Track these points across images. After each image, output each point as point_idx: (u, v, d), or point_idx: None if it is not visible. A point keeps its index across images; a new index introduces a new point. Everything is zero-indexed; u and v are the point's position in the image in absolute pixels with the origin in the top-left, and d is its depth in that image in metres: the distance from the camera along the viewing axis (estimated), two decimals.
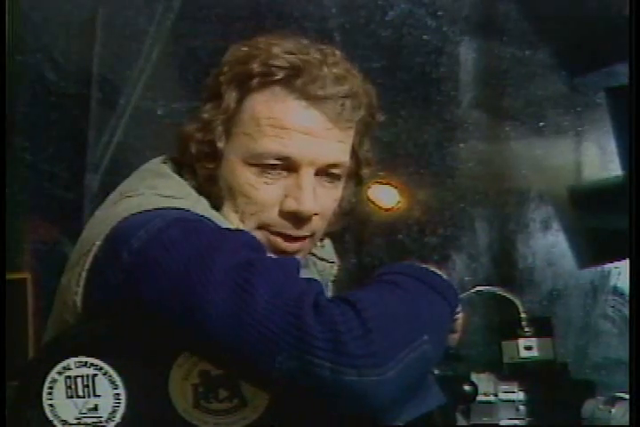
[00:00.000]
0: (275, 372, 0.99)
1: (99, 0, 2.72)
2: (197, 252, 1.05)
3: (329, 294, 1.38)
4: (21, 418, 1.10)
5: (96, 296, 1.11)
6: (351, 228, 2.65)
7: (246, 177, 1.22)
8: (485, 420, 1.94)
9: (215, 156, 1.24)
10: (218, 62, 1.27)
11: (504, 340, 1.91)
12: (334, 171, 1.25)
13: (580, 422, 1.86)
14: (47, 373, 1.08)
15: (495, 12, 2.70)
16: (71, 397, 1.08)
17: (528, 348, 1.88)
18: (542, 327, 1.85)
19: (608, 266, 2.63)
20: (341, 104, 1.21)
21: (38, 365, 1.11)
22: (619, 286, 2.62)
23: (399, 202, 2.72)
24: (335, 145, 1.23)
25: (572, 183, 2.69)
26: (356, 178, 1.33)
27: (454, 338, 1.25)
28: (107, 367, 1.08)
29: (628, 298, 2.54)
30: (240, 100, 1.23)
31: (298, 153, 1.20)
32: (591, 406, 1.84)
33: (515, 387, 1.95)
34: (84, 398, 1.08)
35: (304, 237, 1.26)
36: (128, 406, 1.08)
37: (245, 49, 1.25)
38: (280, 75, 1.20)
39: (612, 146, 2.59)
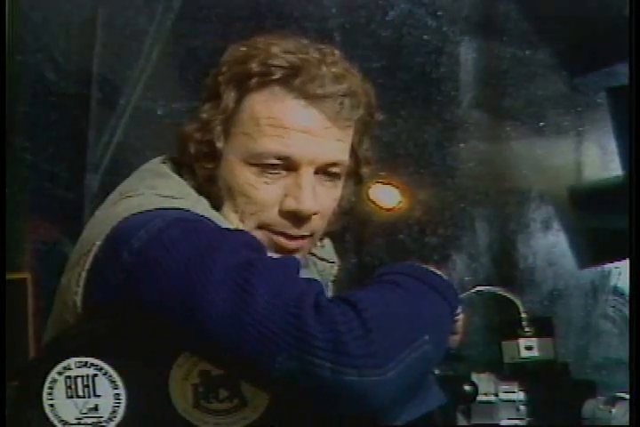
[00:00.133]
0: (275, 372, 0.99)
1: (99, 0, 2.72)
2: (197, 252, 1.05)
3: (329, 293, 1.38)
4: (21, 418, 1.10)
5: (96, 296, 1.11)
6: (352, 228, 2.65)
7: (246, 177, 1.22)
8: (486, 420, 1.94)
9: (214, 156, 1.24)
10: (217, 62, 1.27)
11: (504, 340, 1.91)
12: (334, 170, 1.25)
13: (580, 423, 1.86)
14: (47, 373, 1.08)
15: (495, 12, 2.70)
16: (71, 397, 1.08)
17: (528, 348, 1.87)
18: (543, 327, 1.85)
19: (608, 266, 2.63)
20: (340, 103, 1.21)
21: (38, 365, 1.11)
22: (619, 285, 2.62)
23: (400, 202, 2.72)
24: (334, 144, 1.23)
25: (572, 183, 2.69)
26: (355, 177, 1.33)
27: (455, 339, 1.25)
28: (107, 367, 1.08)
29: (628, 298, 2.54)
30: (239, 100, 1.23)
31: (297, 152, 1.20)
32: (592, 407, 1.84)
33: (515, 387, 1.95)
34: (84, 398, 1.08)
35: (304, 237, 1.26)
36: (128, 406, 1.08)
37: (244, 49, 1.25)
38: (279, 74, 1.21)
39: (612, 146, 2.59)
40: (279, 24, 2.57)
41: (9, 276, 1.90)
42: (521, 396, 1.94)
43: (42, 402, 1.08)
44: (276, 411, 1.06)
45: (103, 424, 1.08)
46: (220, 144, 1.23)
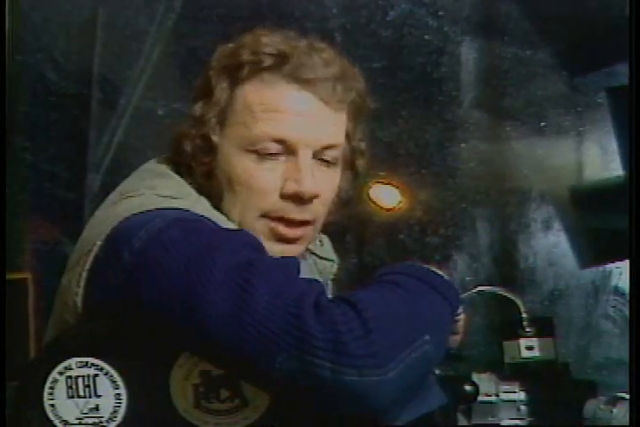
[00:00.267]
0: (275, 372, 0.99)
1: (99, 0, 2.72)
2: (197, 252, 1.05)
3: (329, 292, 1.38)
4: (22, 418, 1.10)
5: (97, 296, 1.11)
6: (352, 228, 2.65)
7: (244, 165, 1.22)
8: (487, 420, 1.94)
9: (210, 149, 1.24)
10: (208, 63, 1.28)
11: (505, 340, 1.91)
12: (330, 153, 1.25)
13: (581, 423, 1.85)
14: (48, 373, 1.08)
15: (496, 12, 2.70)
16: (72, 397, 1.08)
17: (529, 348, 1.87)
18: (544, 327, 1.85)
19: (609, 266, 2.63)
20: (332, 86, 1.23)
21: (39, 365, 1.11)
22: (620, 285, 2.62)
23: (400, 202, 2.72)
24: (329, 127, 1.24)
25: (573, 183, 2.70)
26: (352, 170, 1.33)
27: (456, 339, 1.25)
28: (108, 367, 1.08)
29: (628, 298, 2.54)
30: (232, 92, 1.23)
31: (293, 135, 1.21)
32: (593, 407, 1.84)
33: (516, 387, 1.94)
34: (85, 398, 1.08)
35: (306, 223, 1.25)
36: (129, 406, 1.08)
37: (232, 45, 1.26)
38: (269, 62, 1.21)
39: (612, 146, 2.59)
40: (280, 24, 2.56)
41: (9, 276, 1.90)
42: (522, 396, 1.94)
43: (42, 402, 1.08)
44: (277, 411, 1.06)
45: (104, 424, 1.08)
46: (215, 137, 1.24)
